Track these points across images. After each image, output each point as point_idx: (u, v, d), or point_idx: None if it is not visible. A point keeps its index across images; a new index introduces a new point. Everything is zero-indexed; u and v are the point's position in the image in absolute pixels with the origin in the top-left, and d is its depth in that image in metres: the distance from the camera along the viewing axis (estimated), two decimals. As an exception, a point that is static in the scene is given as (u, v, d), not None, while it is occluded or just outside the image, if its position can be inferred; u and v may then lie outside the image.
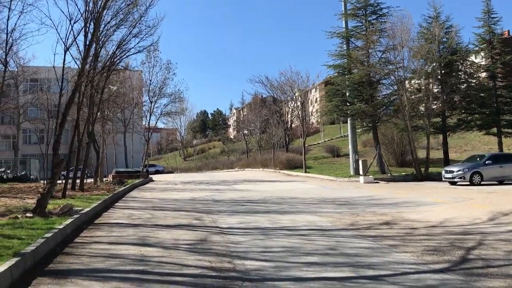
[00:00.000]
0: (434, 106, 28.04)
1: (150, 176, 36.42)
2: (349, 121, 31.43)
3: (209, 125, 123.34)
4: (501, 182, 21.72)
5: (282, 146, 51.16)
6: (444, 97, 27.65)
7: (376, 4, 30.62)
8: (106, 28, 18.58)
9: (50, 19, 27.99)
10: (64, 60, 13.87)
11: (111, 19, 18.33)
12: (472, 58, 31.89)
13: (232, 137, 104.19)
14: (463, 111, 30.45)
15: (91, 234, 8.89)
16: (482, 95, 29.66)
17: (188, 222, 10.57)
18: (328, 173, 30.46)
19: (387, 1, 61.23)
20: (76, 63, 18.06)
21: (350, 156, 30.39)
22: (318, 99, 75.89)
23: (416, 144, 28.04)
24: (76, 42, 16.88)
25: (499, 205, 12.12)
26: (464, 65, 30.61)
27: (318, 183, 24.72)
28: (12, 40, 16.47)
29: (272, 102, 61.44)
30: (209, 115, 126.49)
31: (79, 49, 18.07)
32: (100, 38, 18.68)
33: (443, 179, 22.25)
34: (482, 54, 31.69)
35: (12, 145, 49.49)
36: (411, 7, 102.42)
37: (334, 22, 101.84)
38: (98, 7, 15.08)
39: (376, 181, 24.67)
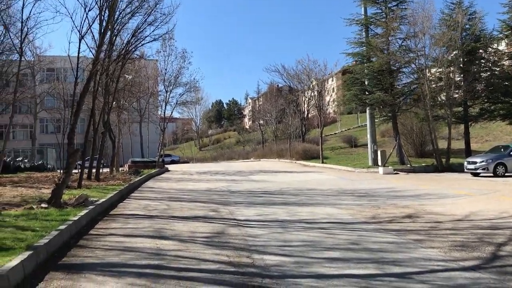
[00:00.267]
0: (456, 95, 27.22)
1: (165, 166, 36.51)
2: (367, 111, 30.84)
3: (224, 115, 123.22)
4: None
5: (298, 136, 50.63)
6: (466, 86, 26.86)
7: (396, -10, 29.79)
8: (121, 15, 18.37)
9: (65, 7, 27.91)
10: (79, 48, 13.78)
11: (126, 6, 18.12)
12: (495, 45, 30.86)
13: (247, 127, 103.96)
14: (485, 100, 29.52)
15: (106, 225, 8.78)
16: (506, 83, 28.65)
17: (205, 213, 10.41)
18: (346, 164, 30.03)
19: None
20: (91, 51, 17.97)
21: (369, 146, 29.86)
22: (335, 88, 75.09)
23: (436, 134, 27.38)
24: (91, 30, 16.87)
25: (527, 198, 11.67)
26: (488, 52, 29.67)
27: (335, 174, 24.36)
28: (27, 29, 16.33)
29: (288, 92, 60.81)
30: (224, 105, 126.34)
31: (94, 38, 18.04)
32: (115, 26, 18.51)
33: (465, 170, 21.65)
34: (506, 41, 30.63)
35: (29, 135, 49.99)
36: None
37: (349, 9, 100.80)
38: (113, -6, 14.87)
39: (395, 172, 24.20)
